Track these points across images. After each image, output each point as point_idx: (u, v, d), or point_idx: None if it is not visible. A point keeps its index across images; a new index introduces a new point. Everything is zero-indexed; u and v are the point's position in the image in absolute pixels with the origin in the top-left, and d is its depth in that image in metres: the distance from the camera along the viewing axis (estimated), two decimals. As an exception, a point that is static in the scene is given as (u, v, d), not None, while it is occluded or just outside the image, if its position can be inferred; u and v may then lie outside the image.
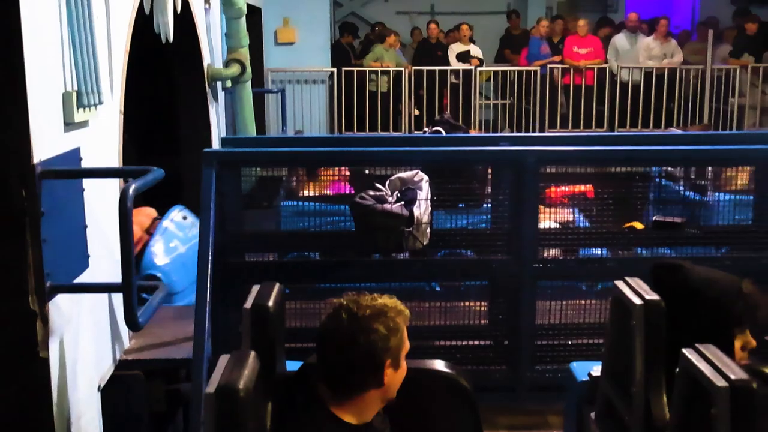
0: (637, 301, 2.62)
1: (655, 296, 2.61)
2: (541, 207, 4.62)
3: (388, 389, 2.34)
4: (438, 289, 4.93)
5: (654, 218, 4.64)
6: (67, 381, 3.43)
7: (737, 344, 2.58)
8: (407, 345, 2.37)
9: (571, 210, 5.10)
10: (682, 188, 5.50)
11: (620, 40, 11.67)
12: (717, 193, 5.94)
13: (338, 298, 2.38)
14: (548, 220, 4.86)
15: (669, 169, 5.69)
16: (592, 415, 3.05)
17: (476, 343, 4.68)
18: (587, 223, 4.96)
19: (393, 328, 2.29)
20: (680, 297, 2.62)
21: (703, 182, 6.18)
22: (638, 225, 4.71)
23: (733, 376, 2.05)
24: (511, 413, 4.41)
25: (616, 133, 10.19)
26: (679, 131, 9.91)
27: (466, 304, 4.78)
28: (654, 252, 4.82)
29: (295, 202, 5.04)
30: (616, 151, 4.88)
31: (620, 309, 2.75)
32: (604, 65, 11.59)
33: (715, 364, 2.11)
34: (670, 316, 2.60)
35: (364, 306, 2.30)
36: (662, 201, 4.96)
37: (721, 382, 2.04)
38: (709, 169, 5.77)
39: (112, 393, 4.03)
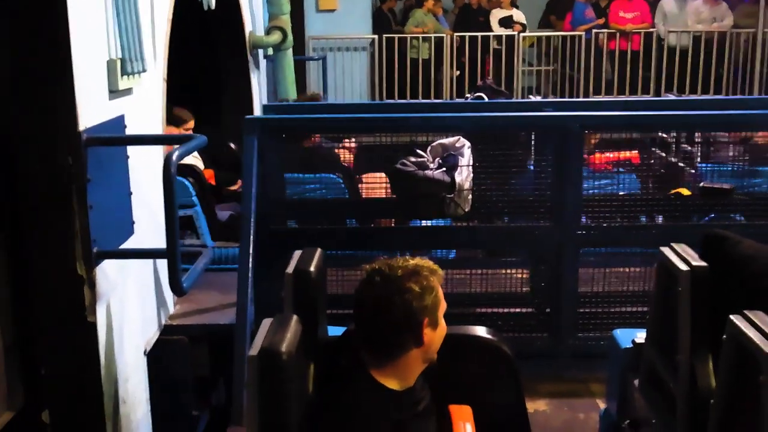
0: (683, 267, 2.59)
1: (701, 263, 2.58)
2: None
3: (429, 348, 2.34)
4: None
5: (702, 184, 4.57)
6: (114, 345, 3.50)
7: None
8: (444, 304, 2.37)
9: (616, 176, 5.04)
10: (730, 154, 5.39)
11: (668, 3, 11.41)
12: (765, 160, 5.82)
13: (370, 264, 2.38)
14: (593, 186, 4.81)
15: (715, 134, 5.59)
16: (636, 382, 3.04)
17: (518, 310, 4.68)
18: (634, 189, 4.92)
19: (427, 287, 2.29)
20: (724, 268, 2.58)
21: (750, 148, 6.05)
22: (685, 191, 4.64)
23: (784, 344, 2.02)
24: (553, 381, 4.40)
25: (661, 98, 10.00)
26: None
27: (509, 271, 4.78)
28: (701, 219, 4.76)
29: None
30: (660, 116, 4.80)
31: (666, 275, 2.73)
32: (651, 29, 11.37)
33: (763, 331, 2.08)
34: (716, 286, 2.56)
35: (396, 267, 2.31)
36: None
37: (769, 350, 2.01)
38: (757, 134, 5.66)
39: (157, 357, 4.10)
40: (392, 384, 2.32)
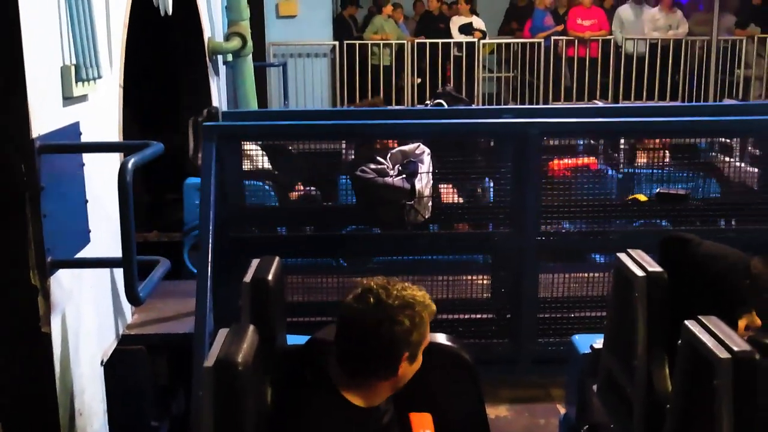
0: (639, 273, 2.61)
1: (657, 268, 2.60)
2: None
3: (400, 380, 2.31)
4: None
5: (658, 190, 4.62)
6: (70, 356, 3.43)
7: (741, 324, 2.54)
8: (428, 339, 2.34)
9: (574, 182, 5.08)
10: (686, 160, 5.47)
11: (625, 11, 11.57)
12: (721, 165, 5.92)
13: (368, 279, 2.31)
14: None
15: (674, 140, 5.66)
16: (594, 387, 3.06)
17: (479, 316, 4.69)
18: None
19: (417, 323, 2.25)
20: (686, 270, 2.60)
21: (707, 154, 6.15)
22: (642, 197, 4.69)
23: (735, 348, 2.04)
24: (513, 386, 4.42)
25: (619, 105, 10.12)
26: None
27: (469, 277, 4.78)
28: (657, 224, 4.81)
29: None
30: (618, 122, 4.85)
31: (622, 281, 2.75)
32: (608, 37, 11.51)
33: (717, 336, 2.11)
34: (674, 290, 2.58)
35: (393, 295, 2.24)
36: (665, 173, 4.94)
37: (723, 354, 2.03)
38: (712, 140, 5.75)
39: (115, 368, 4.03)
40: (358, 401, 2.29)
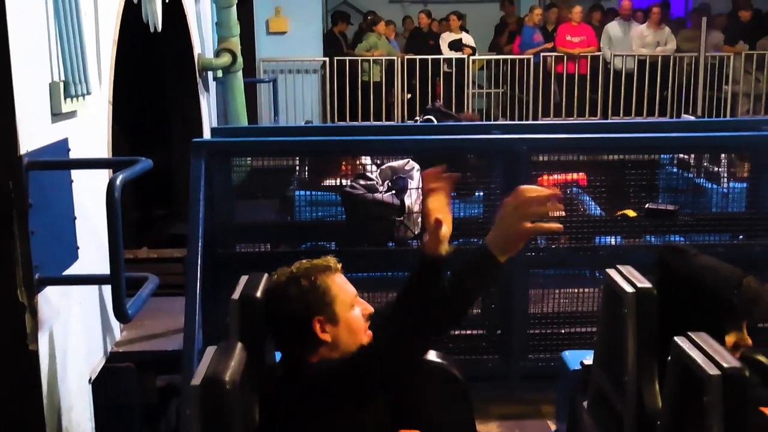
0: (628, 289, 2.60)
1: (647, 284, 2.60)
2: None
3: (339, 343, 2.33)
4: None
5: (647, 206, 4.64)
6: (58, 373, 3.41)
7: (730, 339, 2.50)
8: (343, 298, 2.36)
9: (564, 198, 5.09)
10: (677, 176, 5.49)
11: (613, 27, 11.64)
12: (710, 181, 5.94)
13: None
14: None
15: (662, 156, 5.68)
16: (585, 404, 3.05)
17: (469, 332, 4.67)
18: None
19: (309, 287, 2.32)
20: (680, 281, 2.58)
21: (696, 170, 6.18)
22: (631, 213, 4.70)
23: (725, 364, 2.03)
24: (504, 402, 4.40)
25: (608, 121, 10.16)
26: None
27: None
28: (646, 240, 4.82)
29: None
30: (607, 138, 4.86)
31: (612, 297, 2.74)
32: (597, 53, 11.56)
33: (707, 352, 2.10)
34: (665, 304, 2.58)
35: (280, 273, 2.38)
36: (655, 188, 4.96)
37: (713, 371, 2.03)
38: (702, 156, 5.77)
39: (103, 385, 4.01)
40: None
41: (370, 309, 2.44)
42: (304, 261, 2.41)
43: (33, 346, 3.17)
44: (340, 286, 2.39)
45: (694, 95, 11.57)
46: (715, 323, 2.46)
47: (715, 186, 5.52)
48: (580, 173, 5.14)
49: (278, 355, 2.63)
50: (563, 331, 4.59)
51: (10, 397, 3.22)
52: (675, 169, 5.86)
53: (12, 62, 2.99)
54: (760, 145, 4.88)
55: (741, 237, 4.91)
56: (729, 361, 2.05)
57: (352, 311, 2.38)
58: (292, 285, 2.34)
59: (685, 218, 4.74)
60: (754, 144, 4.91)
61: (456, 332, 4.59)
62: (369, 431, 2.34)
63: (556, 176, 5.13)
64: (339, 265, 2.42)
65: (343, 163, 5.16)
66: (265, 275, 2.54)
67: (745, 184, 5.15)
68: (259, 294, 2.42)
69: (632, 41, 11.49)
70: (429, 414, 2.59)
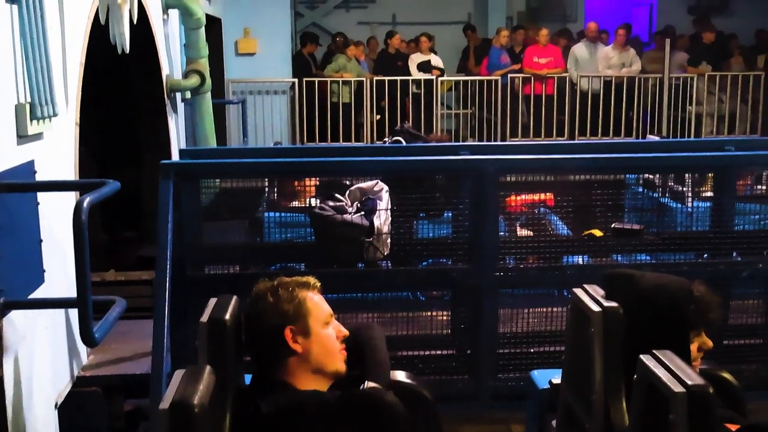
0: (595, 308, 2.63)
1: (613, 303, 2.62)
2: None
3: (310, 356, 2.37)
4: (422, 297, 4.96)
5: (613, 225, 4.68)
6: (23, 399, 3.37)
7: (693, 347, 2.58)
8: (318, 314, 2.41)
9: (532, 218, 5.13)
10: (643, 195, 5.56)
11: (579, 49, 11.80)
12: (675, 201, 6.02)
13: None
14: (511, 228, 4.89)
15: (628, 176, 5.75)
16: (554, 422, 3.06)
17: (439, 352, 4.67)
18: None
19: (285, 297, 2.38)
20: (633, 305, 2.62)
21: (661, 190, 6.26)
22: (597, 232, 4.74)
23: (690, 382, 2.05)
24: (474, 422, 4.41)
25: (575, 142, 10.27)
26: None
27: (429, 313, 4.79)
28: (613, 259, 4.86)
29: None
30: (574, 159, 4.91)
31: (578, 316, 2.76)
32: (564, 74, 11.70)
33: (672, 370, 2.12)
34: (626, 324, 2.60)
35: (260, 287, 2.44)
36: (621, 208, 5.01)
37: (678, 388, 2.05)
38: (667, 176, 5.85)
39: (70, 410, 3.96)
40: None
41: (346, 333, 2.48)
42: (285, 277, 2.47)
43: (-3, 372, 3.13)
44: (317, 302, 2.44)
45: (659, 116, 11.74)
46: (678, 337, 2.50)
47: (679, 205, 5.60)
48: (548, 193, 5.19)
49: (247, 378, 2.62)
50: (532, 351, 4.60)
51: (-26, 424, 3.17)
52: (640, 189, 5.95)
53: (-23, 84, 2.98)
54: (723, 165, 4.96)
55: (705, 255, 4.98)
56: (693, 378, 2.07)
57: (326, 329, 2.42)
58: (270, 294, 2.39)
59: (651, 237, 4.80)
60: (717, 164, 4.99)
61: (426, 353, 4.60)
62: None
63: (523, 196, 5.18)
64: (318, 284, 2.47)
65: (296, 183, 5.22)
66: (234, 297, 2.54)
67: (708, 204, 5.22)
68: (228, 316, 2.42)
69: (598, 63, 11.65)
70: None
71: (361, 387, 2.40)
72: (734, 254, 4.88)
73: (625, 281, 2.70)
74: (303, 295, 2.40)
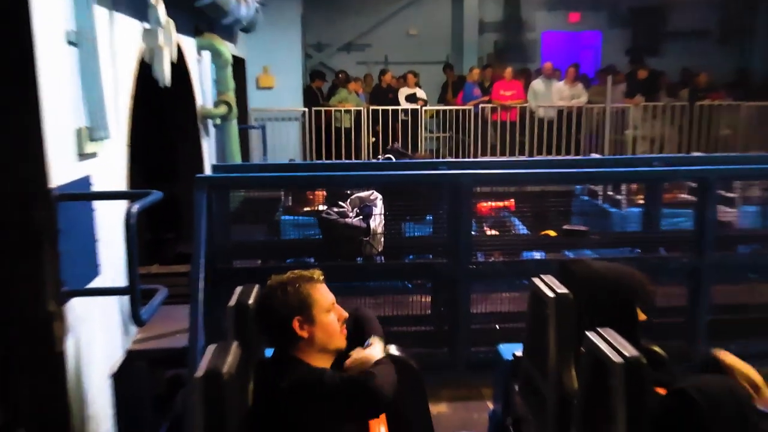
0: (550, 294, 2.63)
1: (564, 290, 2.62)
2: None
3: (315, 340, 2.35)
4: (409, 285, 4.96)
5: (564, 227, 4.70)
6: (82, 370, 3.34)
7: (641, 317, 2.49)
8: (321, 304, 2.37)
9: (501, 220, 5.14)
10: (591, 204, 5.56)
11: (537, 84, 11.80)
12: (613, 206, 6.02)
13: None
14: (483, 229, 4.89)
15: (575, 187, 5.75)
16: (516, 387, 3.06)
17: (422, 329, 4.68)
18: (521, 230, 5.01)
19: (293, 293, 2.34)
20: (585, 286, 2.58)
21: (602, 197, 6.26)
22: (551, 233, 4.76)
23: (627, 354, 2.06)
24: (452, 387, 4.40)
25: (533, 158, 10.27)
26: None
27: (414, 298, 4.79)
28: (565, 254, 4.87)
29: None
30: (532, 173, 4.93)
31: (536, 301, 2.77)
32: (525, 104, 11.70)
33: (612, 344, 2.13)
34: (580, 305, 2.58)
35: (271, 283, 2.39)
36: (570, 213, 5.02)
37: (617, 359, 2.05)
38: (606, 186, 5.84)
39: (121, 379, 3.93)
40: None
41: (345, 314, 2.45)
42: (296, 271, 2.43)
43: (59, 348, 3.11)
44: (320, 293, 2.39)
45: (602, 138, 11.74)
46: (628, 309, 2.46)
47: (616, 210, 5.59)
48: (511, 200, 5.20)
49: (267, 352, 2.62)
50: (498, 328, 4.61)
51: (42, 391, 3.15)
52: (586, 197, 5.96)
53: (44, 112, 2.97)
54: (651, 177, 4.98)
55: (638, 251, 4.99)
56: (630, 351, 2.07)
57: (329, 315, 2.39)
58: (280, 290, 2.35)
59: (594, 237, 4.81)
60: (646, 176, 5.01)
61: (412, 329, 4.60)
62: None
63: (491, 203, 5.19)
64: (322, 277, 2.43)
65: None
66: (257, 286, 2.54)
67: (640, 209, 5.24)
68: (251, 302, 2.42)
69: (553, 95, 11.66)
70: (392, 398, 2.59)
71: (366, 343, 2.41)
72: (661, 250, 4.90)
73: (579, 264, 2.68)
74: (308, 290, 2.37)
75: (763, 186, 5.75)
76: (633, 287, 2.50)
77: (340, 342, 2.42)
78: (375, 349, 2.40)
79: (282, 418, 2.19)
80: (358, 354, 2.38)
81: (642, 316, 2.55)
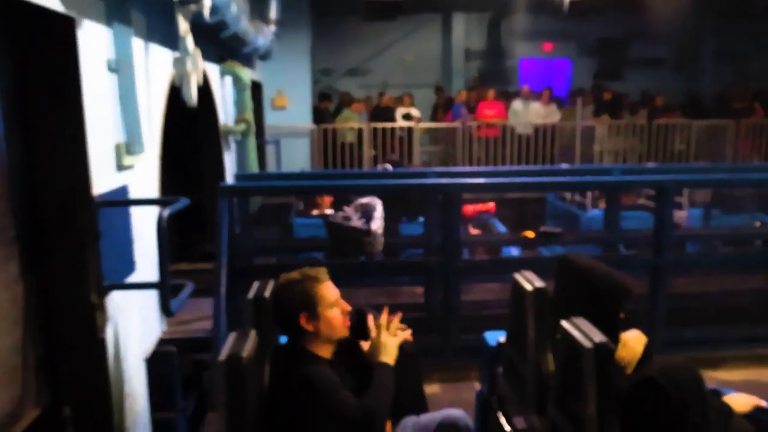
0: (529, 288, 2.62)
1: (542, 284, 2.61)
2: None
3: (320, 333, 2.34)
4: (405, 279, 4.95)
5: (540, 228, 4.69)
6: (120, 354, 3.33)
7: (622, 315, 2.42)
8: (325, 300, 2.36)
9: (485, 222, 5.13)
10: (561, 207, 5.54)
11: (517, 104, 11.80)
12: (581, 209, 6.00)
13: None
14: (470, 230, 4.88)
15: (553, 193, 5.73)
16: (500, 370, 3.05)
17: (417, 316, 4.67)
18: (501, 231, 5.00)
19: (299, 291, 2.32)
20: (574, 278, 2.48)
21: (571, 202, 6.24)
22: (530, 234, 4.75)
23: (596, 339, 2.05)
24: (443, 370, 4.39)
25: (511, 168, 10.25)
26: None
27: (410, 289, 4.78)
28: (540, 253, 4.87)
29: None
30: (511, 182, 4.92)
31: (517, 294, 2.76)
32: (505, 122, 11.70)
33: (584, 332, 2.12)
34: (568, 296, 2.48)
35: (283, 277, 2.38)
36: (544, 216, 5.01)
37: (588, 344, 2.04)
38: (574, 192, 5.83)
39: (154, 363, 3.92)
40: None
41: (348, 308, 2.44)
42: (304, 269, 2.40)
43: (101, 335, 3.10)
44: (325, 290, 2.37)
45: (573, 151, 11.74)
46: (614, 305, 2.39)
47: (583, 213, 5.58)
48: (491, 203, 5.19)
49: (282, 339, 2.60)
50: (484, 316, 4.60)
51: (85, 372, 3.14)
52: (558, 202, 5.94)
53: (88, 130, 2.96)
54: (613, 184, 4.98)
55: (603, 248, 4.99)
56: (599, 338, 2.07)
57: (333, 310, 2.36)
58: (288, 288, 2.34)
59: (567, 237, 4.81)
60: (608, 184, 5.01)
61: (407, 317, 4.58)
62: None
63: (476, 205, 5.19)
64: (326, 276, 2.41)
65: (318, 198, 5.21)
66: (272, 281, 2.52)
67: (602, 211, 5.23)
68: (267, 294, 2.40)
69: (530, 114, 11.66)
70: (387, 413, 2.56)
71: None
72: (620, 247, 4.89)
73: (576, 256, 2.61)
74: (314, 288, 2.35)
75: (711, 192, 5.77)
76: (626, 289, 2.45)
77: (342, 333, 2.41)
78: (385, 337, 2.45)
79: (291, 409, 2.19)
80: (375, 338, 2.42)
81: (622, 315, 2.51)
